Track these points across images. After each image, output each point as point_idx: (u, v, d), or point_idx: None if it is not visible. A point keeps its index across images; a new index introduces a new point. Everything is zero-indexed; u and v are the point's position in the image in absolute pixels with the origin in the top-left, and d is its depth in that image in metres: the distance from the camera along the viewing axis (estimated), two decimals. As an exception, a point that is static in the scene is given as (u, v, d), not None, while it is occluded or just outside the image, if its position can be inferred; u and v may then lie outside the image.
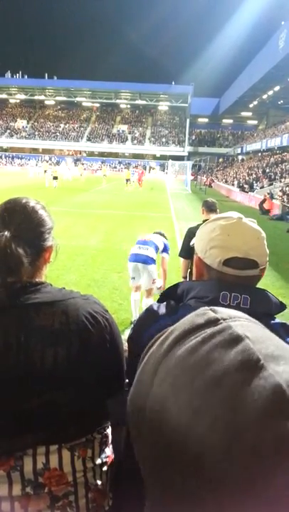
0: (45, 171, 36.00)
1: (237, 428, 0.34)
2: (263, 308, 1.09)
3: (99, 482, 1.27)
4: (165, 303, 1.19)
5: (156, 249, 5.52)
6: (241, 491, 0.32)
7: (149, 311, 1.21)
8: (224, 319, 0.41)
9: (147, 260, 5.34)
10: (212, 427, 0.35)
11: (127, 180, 33.52)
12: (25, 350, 1.12)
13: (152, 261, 5.35)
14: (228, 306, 1.03)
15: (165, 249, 5.71)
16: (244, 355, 0.37)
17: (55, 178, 31.21)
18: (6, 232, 1.14)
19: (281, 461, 0.32)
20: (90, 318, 1.21)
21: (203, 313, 0.43)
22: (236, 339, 0.38)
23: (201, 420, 0.36)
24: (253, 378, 0.35)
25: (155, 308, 1.19)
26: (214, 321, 0.41)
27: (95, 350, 1.20)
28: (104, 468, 1.31)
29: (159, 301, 1.24)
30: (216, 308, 0.43)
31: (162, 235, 6.01)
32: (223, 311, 0.43)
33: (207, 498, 0.34)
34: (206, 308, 0.44)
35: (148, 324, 1.14)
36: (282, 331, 1.08)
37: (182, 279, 4.88)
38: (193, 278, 1.24)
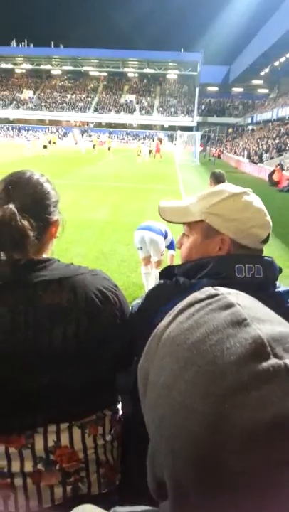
0: (44, 146, 35.56)
1: (215, 374, 0.37)
2: (273, 275, 1.15)
3: (110, 458, 1.29)
4: (175, 280, 1.14)
5: (161, 233, 5.38)
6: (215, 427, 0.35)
7: (162, 288, 1.19)
8: (222, 293, 0.45)
9: (154, 229, 5.29)
10: (194, 379, 0.38)
11: (138, 152, 33.16)
12: (34, 328, 1.11)
13: (159, 232, 5.28)
14: (244, 279, 1.07)
15: (172, 246, 5.52)
16: (232, 316, 0.40)
17: (45, 146, 30.69)
18: (10, 205, 1.11)
19: (259, 397, 0.35)
20: (99, 295, 1.18)
21: (205, 290, 0.46)
22: (229, 305, 0.42)
23: (186, 374, 0.39)
24: (237, 333, 0.39)
25: (168, 285, 1.17)
26: (214, 295, 0.45)
27: (104, 327, 1.19)
28: (116, 444, 1.33)
29: (165, 277, 1.21)
30: (217, 287, 0.47)
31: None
32: (223, 289, 0.46)
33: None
34: (209, 287, 0.47)
35: (161, 303, 1.09)
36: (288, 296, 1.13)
37: None
38: (190, 257, 1.18)
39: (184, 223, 1.23)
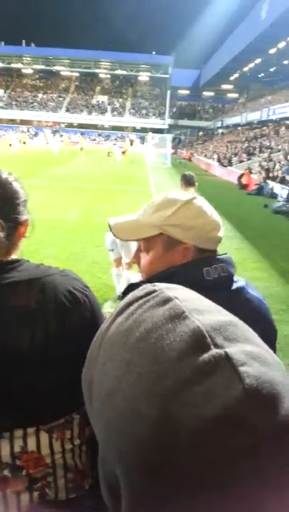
0: (10, 145, 35.51)
1: (158, 374, 0.35)
2: (233, 269, 1.19)
3: (78, 462, 1.26)
4: None
5: None
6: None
7: None
8: (160, 289, 0.43)
9: None
10: (137, 381, 0.36)
11: (109, 153, 33.06)
12: (1, 330, 1.09)
13: None
14: (214, 280, 1.10)
15: None
16: (171, 311, 0.39)
17: (10, 145, 32.11)
18: None
19: (203, 392, 0.33)
20: (69, 296, 1.17)
21: (143, 287, 0.45)
22: (166, 300, 0.41)
23: (129, 377, 0.37)
24: (176, 327, 0.38)
25: None
26: (152, 292, 0.43)
27: (74, 329, 1.17)
28: (84, 448, 1.30)
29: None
30: (156, 283, 0.46)
31: None
32: (161, 285, 0.45)
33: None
34: (147, 284, 0.46)
35: None
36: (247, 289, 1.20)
37: None
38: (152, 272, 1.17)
39: (140, 239, 1.19)
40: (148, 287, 0.45)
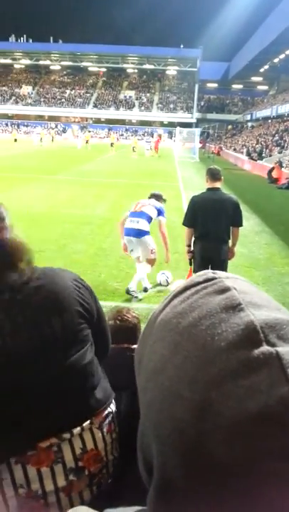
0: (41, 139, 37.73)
1: (204, 360, 0.36)
2: None
3: (116, 454, 1.35)
4: None
5: (149, 219, 5.43)
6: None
7: None
8: (220, 277, 0.43)
9: (139, 233, 5.30)
10: (183, 364, 0.37)
11: (134, 148, 33.07)
12: (30, 324, 1.19)
13: (145, 233, 5.32)
14: None
15: (160, 213, 5.60)
16: (227, 301, 0.39)
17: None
18: None
19: (247, 386, 0.33)
20: (76, 283, 1.36)
21: (203, 273, 0.46)
22: (224, 289, 0.41)
23: (175, 359, 0.38)
24: (230, 318, 0.37)
25: None
26: (211, 279, 0.43)
27: (87, 311, 1.32)
28: (117, 438, 1.39)
29: None
30: (216, 271, 0.46)
31: (158, 196, 5.90)
32: (221, 273, 0.45)
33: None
34: (208, 270, 0.46)
35: None
36: None
37: (186, 247, 4.90)
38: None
39: None
40: (208, 274, 0.45)
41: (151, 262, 5.51)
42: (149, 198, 5.82)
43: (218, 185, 4.69)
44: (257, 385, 0.33)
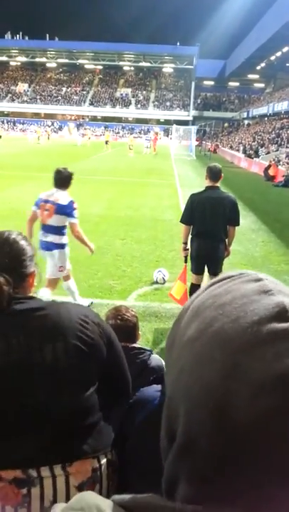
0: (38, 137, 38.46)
1: (236, 330, 0.40)
2: None
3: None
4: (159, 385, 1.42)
5: (58, 230, 4.83)
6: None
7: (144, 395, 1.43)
8: (252, 273, 0.49)
9: (49, 247, 4.76)
10: (217, 333, 0.41)
11: (130, 146, 33.00)
12: (26, 349, 1.22)
13: (54, 246, 4.77)
14: None
15: (69, 214, 4.80)
16: (260, 287, 0.44)
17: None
18: None
19: (274, 352, 0.38)
20: (83, 318, 1.30)
21: (238, 271, 0.50)
22: (258, 279, 0.46)
23: (210, 329, 0.42)
24: (262, 299, 0.42)
25: (155, 388, 1.42)
26: (244, 273, 0.49)
27: (90, 342, 1.28)
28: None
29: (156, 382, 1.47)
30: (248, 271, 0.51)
31: (63, 181, 5.03)
32: (252, 271, 0.50)
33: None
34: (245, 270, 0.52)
35: (144, 405, 1.37)
36: None
37: (182, 245, 4.90)
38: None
39: None
40: (241, 271, 0.50)
41: (54, 282, 4.81)
42: (55, 185, 4.97)
43: (217, 183, 4.69)
44: (283, 351, 0.37)
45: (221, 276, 0.50)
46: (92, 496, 0.47)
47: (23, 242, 1.40)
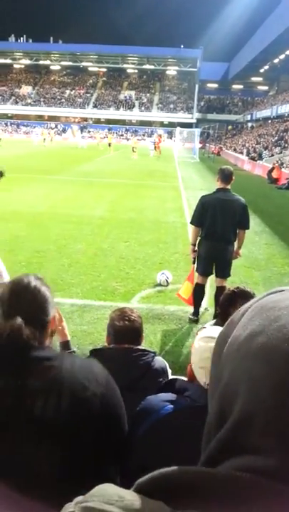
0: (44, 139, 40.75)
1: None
2: None
3: None
4: (167, 394, 1.47)
5: None
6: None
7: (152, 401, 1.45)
8: None
9: None
10: (283, 327, 0.44)
11: (133, 148, 33.01)
12: (20, 401, 1.16)
13: None
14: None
15: None
16: None
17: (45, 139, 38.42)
18: (18, 319, 1.23)
19: None
20: (85, 375, 1.24)
21: None
22: None
23: (275, 324, 0.46)
24: None
25: (161, 398, 1.45)
26: None
27: (87, 406, 1.20)
28: None
29: (163, 390, 1.51)
30: None
31: None
32: None
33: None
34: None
35: (148, 414, 1.40)
36: None
37: (191, 246, 4.90)
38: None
39: None
40: None
41: None
42: None
43: (228, 186, 4.69)
44: None
45: (276, 288, 0.53)
46: (112, 486, 0.48)
47: (44, 288, 1.38)
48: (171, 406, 1.40)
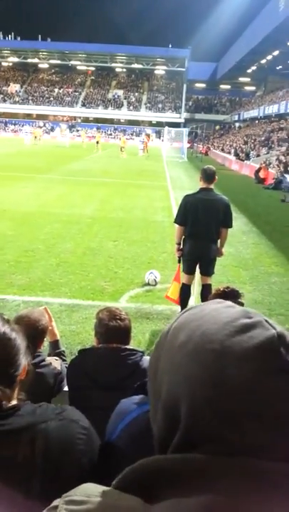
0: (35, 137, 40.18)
1: (217, 328, 0.52)
2: None
3: None
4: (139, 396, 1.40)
5: None
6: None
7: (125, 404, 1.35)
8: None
9: None
10: (204, 333, 0.53)
11: (121, 148, 32.95)
12: None
13: None
14: None
15: None
16: (225, 303, 0.59)
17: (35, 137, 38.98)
18: None
19: (249, 335, 0.51)
20: (62, 446, 1.09)
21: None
22: (220, 302, 0.61)
23: (197, 332, 0.53)
24: (229, 309, 0.57)
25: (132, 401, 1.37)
26: (207, 301, 0.64)
27: (64, 482, 1.06)
28: None
29: (136, 393, 1.42)
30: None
31: None
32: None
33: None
34: None
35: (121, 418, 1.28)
36: None
37: (176, 245, 4.93)
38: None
39: None
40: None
41: None
42: None
43: (211, 185, 4.73)
44: (254, 335, 0.50)
45: (189, 307, 0.61)
46: (94, 484, 0.52)
47: (15, 336, 1.15)
48: (140, 408, 1.38)
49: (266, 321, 0.53)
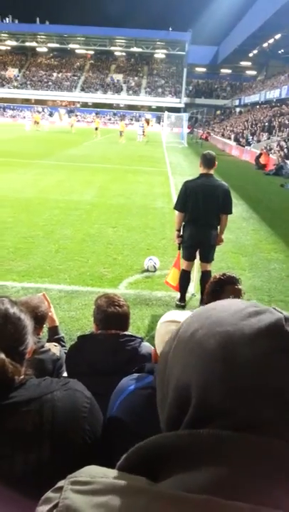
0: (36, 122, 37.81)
1: (225, 316, 0.55)
2: None
3: None
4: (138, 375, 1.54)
5: None
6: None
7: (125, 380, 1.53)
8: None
9: None
10: (213, 321, 0.55)
11: (121, 132, 32.70)
12: None
13: None
14: None
15: None
16: (234, 299, 0.60)
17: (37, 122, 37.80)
18: (1, 354, 1.13)
19: (257, 320, 0.53)
20: (68, 414, 1.17)
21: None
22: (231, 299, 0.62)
23: (206, 322, 0.56)
24: (238, 301, 0.59)
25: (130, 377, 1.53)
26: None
27: (70, 448, 1.15)
28: None
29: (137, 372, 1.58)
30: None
31: None
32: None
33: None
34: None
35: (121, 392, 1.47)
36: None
37: (175, 232, 4.91)
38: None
39: None
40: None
41: None
42: None
43: (211, 171, 4.69)
44: (261, 319, 0.52)
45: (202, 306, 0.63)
46: (97, 467, 0.53)
47: (22, 316, 1.24)
48: (138, 383, 1.48)
49: (274, 308, 0.55)
